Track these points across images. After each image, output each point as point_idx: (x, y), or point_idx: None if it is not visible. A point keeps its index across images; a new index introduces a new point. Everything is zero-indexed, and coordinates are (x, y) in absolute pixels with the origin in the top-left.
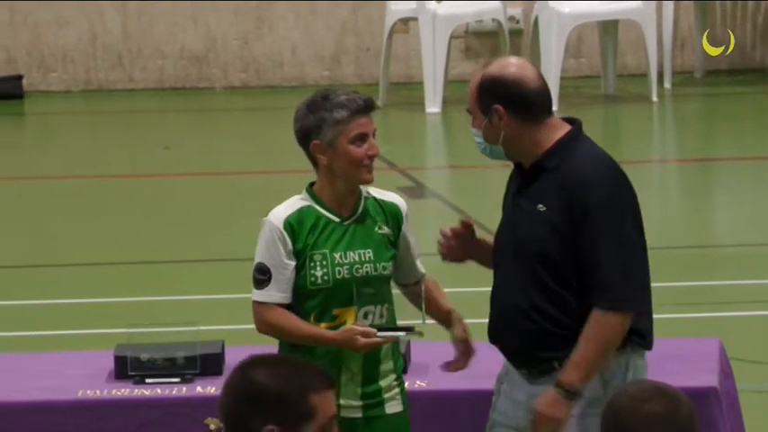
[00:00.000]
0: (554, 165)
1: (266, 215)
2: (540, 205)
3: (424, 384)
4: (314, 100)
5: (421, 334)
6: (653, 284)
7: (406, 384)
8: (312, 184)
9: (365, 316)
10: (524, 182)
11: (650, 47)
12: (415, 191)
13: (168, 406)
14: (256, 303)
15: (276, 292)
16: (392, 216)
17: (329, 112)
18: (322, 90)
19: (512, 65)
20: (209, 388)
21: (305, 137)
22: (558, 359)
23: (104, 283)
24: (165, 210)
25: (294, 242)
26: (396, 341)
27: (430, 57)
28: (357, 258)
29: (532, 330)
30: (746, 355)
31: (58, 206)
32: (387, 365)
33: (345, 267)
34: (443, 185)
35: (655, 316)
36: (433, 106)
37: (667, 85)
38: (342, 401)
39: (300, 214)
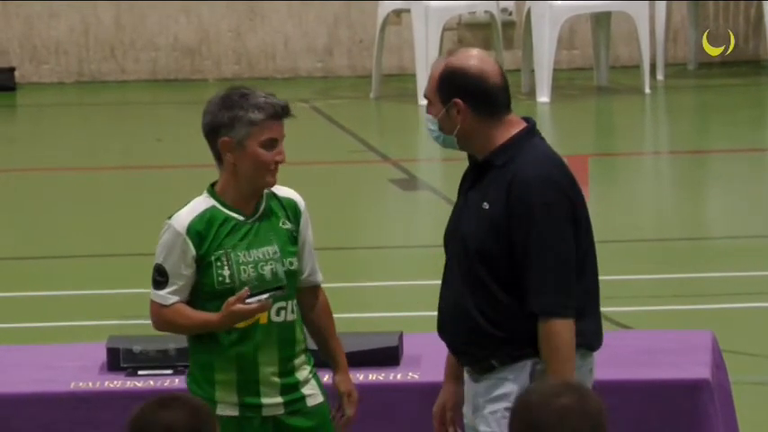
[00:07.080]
0: (502, 162)
1: (170, 216)
2: (485, 203)
3: (416, 377)
4: (230, 96)
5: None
6: (648, 276)
7: (398, 377)
8: (213, 184)
9: (278, 313)
10: (475, 177)
11: (643, 39)
12: (407, 183)
13: None
14: (153, 303)
15: (172, 295)
16: (291, 211)
17: (245, 112)
18: (240, 87)
19: (474, 57)
20: None
21: (213, 131)
22: (497, 358)
23: (98, 275)
24: (158, 201)
25: (198, 248)
26: (269, 302)
27: (422, 49)
28: (261, 256)
29: (471, 328)
30: (740, 348)
31: (50, 198)
32: (300, 359)
33: (251, 266)
34: (436, 177)
35: (649, 308)
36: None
37: (660, 76)
38: (263, 400)
39: (204, 217)
